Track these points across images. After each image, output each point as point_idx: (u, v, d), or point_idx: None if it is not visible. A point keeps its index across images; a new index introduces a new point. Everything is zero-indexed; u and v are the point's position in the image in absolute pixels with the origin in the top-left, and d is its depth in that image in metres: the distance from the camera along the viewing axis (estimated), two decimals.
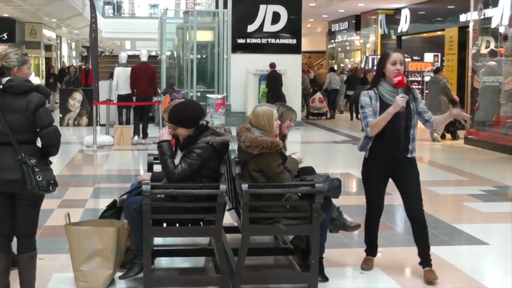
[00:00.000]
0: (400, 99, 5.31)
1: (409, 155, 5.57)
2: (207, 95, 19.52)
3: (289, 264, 6.13)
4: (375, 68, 7.40)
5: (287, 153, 5.80)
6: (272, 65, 18.87)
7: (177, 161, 5.43)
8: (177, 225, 5.51)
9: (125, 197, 5.83)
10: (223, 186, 5.25)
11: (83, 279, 5.35)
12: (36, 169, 4.69)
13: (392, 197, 9.03)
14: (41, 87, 4.95)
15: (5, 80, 4.76)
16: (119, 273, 5.52)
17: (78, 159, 13.66)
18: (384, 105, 5.40)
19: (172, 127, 5.54)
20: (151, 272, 5.41)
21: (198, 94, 20.37)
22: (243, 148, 5.41)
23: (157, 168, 6.52)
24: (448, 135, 15.73)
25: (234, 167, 5.57)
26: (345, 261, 6.27)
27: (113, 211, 5.88)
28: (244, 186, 5.22)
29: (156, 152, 6.18)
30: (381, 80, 5.51)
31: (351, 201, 8.48)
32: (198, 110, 5.58)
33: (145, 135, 15.53)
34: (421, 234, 5.70)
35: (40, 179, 4.68)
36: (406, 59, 24.49)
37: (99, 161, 13.55)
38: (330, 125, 20.72)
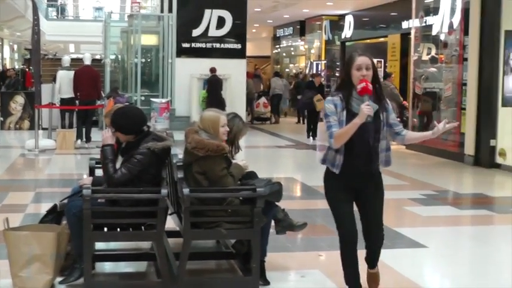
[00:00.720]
0: (366, 108, 4.58)
1: (373, 171, 4.89)
2: (151, 99, 19.44)
3: (231, 269, 6.13)
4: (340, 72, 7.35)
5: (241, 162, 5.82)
6: (212, 70, 18.87)
7: (118, 165, 5.40)
8: (118, 229, 5.48)
9: (65, 201, 5.75)
10: (164, 191, 5.24)
11: (21, 285, 5.26)
12: None
13: None
14: None
15: None
16: (59, 279, 5.46)
17: (19, 163, 13.46)
18: (351, 115, 4.67)
19: (113, 131, 5.52)
20: (92, 277, 5.36)
21: (142, 98, 20.25)
22: (189, 149, 5.41)
23: (99, 172, 6.48)
24: None
25: (176, 171, 5.56)
26: (287, 265, 6.30)
27: (53, 216, 5.80)
28: (186, 190, 5.22)
29: (98, 156, 6.17)
30: (347, 87, 4.79)
31: (294, 205, 8.53)
32: (137, 117, 5.55)
33: (88, 139, 15.37)
34: (374, 253, 5.18)
35: None
36: None
37: (40, 165, 13.37)
38: (274, 130, 20.82)
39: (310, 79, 19.65)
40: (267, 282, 5.62)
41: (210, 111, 5.79)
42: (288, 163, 14.40)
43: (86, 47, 49.39)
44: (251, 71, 26.10)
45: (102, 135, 5.59)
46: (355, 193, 4.91)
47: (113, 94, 18.38)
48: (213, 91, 18.77)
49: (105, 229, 5.47)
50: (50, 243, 5.27)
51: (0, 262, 6.03)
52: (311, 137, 17.66)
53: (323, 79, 20.81)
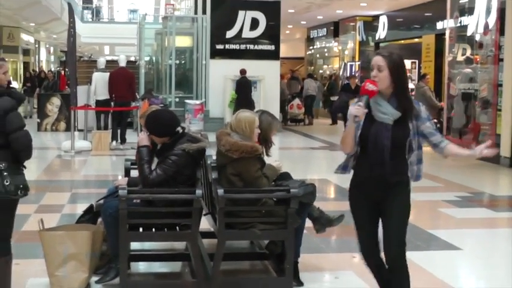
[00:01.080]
0: (354, 108, 4.22)
1: (394, 180, 4.35)
2: (186, 101, 19.54)
3: (265, 269, 6.17)
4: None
5: (269, 161, 5.85)
6: (242, 71, 18.92)
7: (153, 166, 5.47)
8: (154, 230, 5.54)
9: (101, 201, 5.84)
10: (199, 191, 5.30)
11: (58, 284, 5.36)
12: (5, 173, 4.68)
13: None
14: (14, 92, 4.95)
15: None
16: (94, 278, 5.54)
17: (55, 164, 13.63)
18: (369, 120, 4.31)
19: (147, 134, 5.59)
20: (128, 277, 5.43)
21: (177, 100, 20.40)
22: (223, 151, 5.44)
23: (135, 173, 6.56)
24: None
25: (210, 172, 5.61)
26: (320, 266, 6.33)
27: (90, 216, 5.91)
28: (220, 191, 5.26)
29: (134, 157, 6.26)
30: None
31: (328, 206, 8.52)
32: (168, 120, 5.63)
33: (123, 141, 15.51)
34: (392, 283, 4.49)
35: (7, 183, 4.67)
36: None
37: (76, 166, 13.52)
38: (307, 131, 20.81)
39: (346, 81, 19.57)
40: (301, 283, 5.65)
41: (245, 112, 5.80)
42: (321, 164, 14.39)
43: (120, 48, 49.92)
44: (285, 73, 26.10)
45: (138, 137, 5.66)
46: (378, 205, 4.44)
47: (148, 96, 18.53)
48: (242, 92, 18.86)
49: (141, 229, 5.54)
50: (85, 242, 5.36)
51: (38, 261, 6.17)
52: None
53: (357, 80, 20.69)
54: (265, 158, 5.87)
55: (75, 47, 15.69)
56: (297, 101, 22.66)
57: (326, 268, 6.30)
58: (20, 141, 4.75)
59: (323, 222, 6.01)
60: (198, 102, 19.45)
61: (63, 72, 28.24)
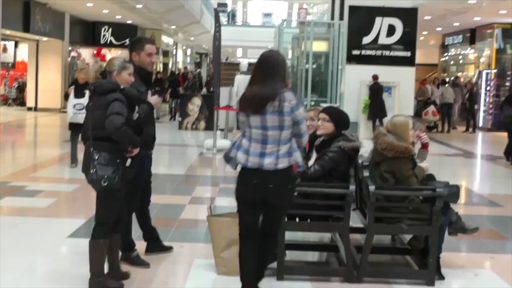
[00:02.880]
0: None
1: None
2: (321, 104, 20.01)
3: (406, 263, 6.59)
4: None
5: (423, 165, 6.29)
6: (375, 77, 19.24)
7: (311, 162, 6.03)
8: (309, 220, 6.10)
9: None
10: (352, 187, 5.81)
11: (223, 264, 5.99)
12: (96, 163, 5.20)
13: (504, 208, 9.40)
14: (127, 89, 5.47)
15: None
16: None
17: (200, 161, 14.45)
18: None
19: (325, 119, 6.09)
20: (284, 262, 6.00)
21: (312, 103, 20.91)
22: (379, 150, 5.98)
23: None
24: None
25: (361, 170, 6.11)
26: (459, 264, 6.67)
27: None
28: (372, 187, 5.77)
29: None
30: None
31: (464, 210, 8.86)
32: (349, 121, 6.21)
33: None
34: None
35: (93, 172, 5.20)
36: None
37: (219, 163, 14.29)
38: (442, 138, 20.73)
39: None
40: (442, 277, 6.05)
41: (400, 116, 6.35)
42: (458, 170, 14.45)
43: (252, 51, 51.06)
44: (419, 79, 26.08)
45: None
46: None
47: None
48: (375, 98, 19.19)
49: (297, 219, 6.11)
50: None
51: (199, 245, 6.87)
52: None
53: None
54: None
55: (219, 50, 16.51)
56: (432, 108, 22.64)
57: (465, 266, 6.64)
58: (112, 122, 5.13)
59: (457, 228, 6.40)
60: (334, 105, 19.84)
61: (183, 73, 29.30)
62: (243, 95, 4.91)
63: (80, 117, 10.50)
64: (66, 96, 11.76)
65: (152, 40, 6.35)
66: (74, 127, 11.33)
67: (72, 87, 11.61)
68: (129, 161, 5.36)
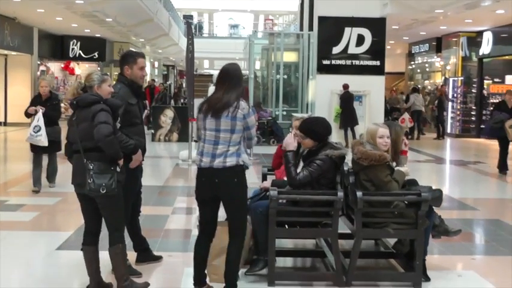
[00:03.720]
0: None
1: None
2: (293, 114, 20.22)
3: (391, 266, 6.77)
4: None
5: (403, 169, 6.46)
6: (345, 86, 19.48)
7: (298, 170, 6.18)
8: (298, 227, 6.24)
9: (248, 202, 6.58)
10: (340, 193, 5.97)
11: (214, 272, 6.08)
12: (92, 173, 5.36)
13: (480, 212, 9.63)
14: (110, 99, 5.63)
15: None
16: (243, 269, 6.24)
17: (177, 172, 14.51)
18: None
19: (301, 136, 6.28)
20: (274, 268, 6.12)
21: (284, 113, 21.14)
22: (355, 159, 6.15)
23: (270, 178, 7.34)
24: None
25: (346, 177, 6.28)
26: (443, 266, 6.85)
27: None
28: (359, 193, 5.93)
29: (269, 165, 7.07)
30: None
31: (444, 215, 9.06)
32: (328, 127, 6.34)
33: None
34: None
35: (91, 181, 5.35)
36: (486, 81, 24.97)
37: (194, 174, 14.32)
38: (415, 146, 20.99)
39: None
40: (428, 279, 6.24)
41: (372, 124, 6.51)
42: (431, 177, 14.71)
43: (219, 63, 51.19)
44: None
45: (285, 141, 6.35)
46: None
47: (257, 109, 19.41)
48: (346, 107, 19.45)
49: (286, 226, 6.25)
50: None
51: (187, 254, 6.95)
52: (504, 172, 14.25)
53: None
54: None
55: (193, 61, 16.60)
56: (407, 115, 22.92)
57: (449, 268, 6.84)
58: (100, 131, 5.31)
59: (441, 230, 6.61)
60: (305, 115, 20.05)
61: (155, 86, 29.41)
62: (208, 100, 5.45)
63: (37, 140, 10.43)
64: (27, 115, 10.83)
65: (143, 54, 6.49)
66: (34, 148, 10.83)
67: (36, 108, 10.63)
68: (118, 168, 5.51)
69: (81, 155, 5.44)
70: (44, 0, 18.90)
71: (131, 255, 6.47)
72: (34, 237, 7.95)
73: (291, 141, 6.28)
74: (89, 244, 5.67)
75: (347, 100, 19.50)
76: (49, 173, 11.26)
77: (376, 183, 6.15)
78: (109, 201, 5.48)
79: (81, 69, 30.22)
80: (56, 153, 11.13)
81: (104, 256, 5.73)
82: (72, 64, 30.14)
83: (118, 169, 5.48)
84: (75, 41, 30.18)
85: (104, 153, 5.38)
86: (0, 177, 13.05)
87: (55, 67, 29.57)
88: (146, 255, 6.69)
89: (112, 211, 5.57)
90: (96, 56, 30.79)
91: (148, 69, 46.34)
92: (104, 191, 5.36)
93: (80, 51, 30.31)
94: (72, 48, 30.24)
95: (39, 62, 27.57)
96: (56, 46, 29.85)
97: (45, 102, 10.77)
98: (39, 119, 10.46)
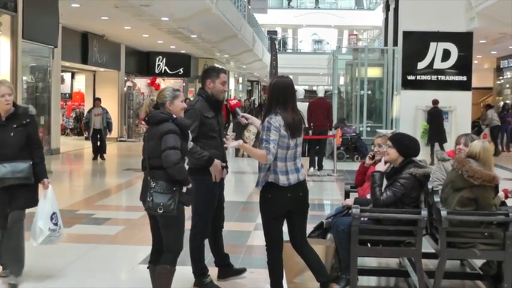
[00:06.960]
0: None
1: None
2: (377, 130, 20.01)
3: None
4: None
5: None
6: (434, 102, 19.14)
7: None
8: (380, 246, 6.15)
9: (330, 219, 6.53)
10: (424, 212, 5.85)
11: None
12: (152, 191, 5.35)
13: None
14: (179, 119, 5.55)
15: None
16: None
17: None
18: None
19: (388, 145, 6.22)
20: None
21: (368, 129, 20.95)
22: (465, 177, 5.96)
23: (352, 195, 7.26)
24: None
25: (431, 195, 6.15)
26: None
27: (320, 231, 6.58)
28: (444, 212, 5.79)
29: (352, 182, 7.02)
30: None
31: None
32: (418, 149, 6.25)
33: (320, 168, 16.25)
34: None
35: (150, 199, 5.35)
36: None
37: None
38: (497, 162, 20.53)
39: None
40: None
41: (484, 142, 6.37)
42: None
43: (303, 78, 51.33)
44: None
45: (377, 165, 6.38)
46: None
47: (341, 125, 19.32)
48: (435, 123, 19.11)
49: (368, 245, 6.16)
50: (320, 254, 6.00)
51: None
52: None
53: None
54: None
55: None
56: (487, 131, 22.42)
57: None
58: (169, 158, 5.28)
59: None
60: (389, 131, 19.84)
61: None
62: (293, 122, 5.47)
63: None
64: None
65: (225, 70, 6.56)
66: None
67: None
68: (185, 188, 5.46)
69: (147, 172, 5.49)
70: (131, 18, 19.33)
71: (213, 271, 6.51)
72: (118, 251, 8.09)
73: (381, 163, 6.26)
74: (154, 262, 5.65)
75: (435, 116, 19.16)
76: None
77: (481, 204, 5.97)
78: (167, 221, 5.45)
79: (167, 84, 30.67)
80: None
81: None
82: (158, 80, 30.68)
83: (184, 189, 5.44)
84: (160, 57, 30.77)
85: (165, 172, 5.36)
86: (89, 191, 13.36)
87: (141, 83, 30.15)
88: (227, 271, 6.71)
89: (169, 231, 5.53)
90: (181, 72, 31.27)
91: (232, 84, 46.83)
92: (161, 211, 5.33)
93: (166, 67, 30.86)
94: (158, 65, 30.83)
95: (126, 78, 28.18)
96: (142, 62, 30.49)
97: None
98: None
